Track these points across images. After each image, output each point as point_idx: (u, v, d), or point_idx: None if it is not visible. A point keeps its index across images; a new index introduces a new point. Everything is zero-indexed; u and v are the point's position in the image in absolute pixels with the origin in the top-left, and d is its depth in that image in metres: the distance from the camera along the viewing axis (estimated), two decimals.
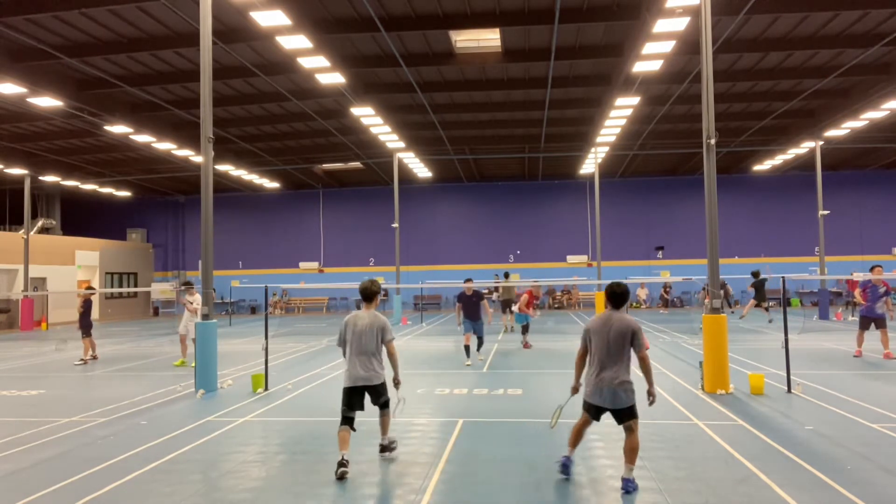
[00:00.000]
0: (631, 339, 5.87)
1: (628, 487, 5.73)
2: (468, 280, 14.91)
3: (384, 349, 6.81)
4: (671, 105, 22.70)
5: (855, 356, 13.69)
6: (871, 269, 13.71)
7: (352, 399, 6.69)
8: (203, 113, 11.81)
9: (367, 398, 6.79)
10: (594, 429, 8.00)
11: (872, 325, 13.62)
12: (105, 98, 21.27)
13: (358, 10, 15.62)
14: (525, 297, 17.10)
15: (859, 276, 22.38)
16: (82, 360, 15.54)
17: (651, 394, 5.95)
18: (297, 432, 8.20)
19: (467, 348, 14.05)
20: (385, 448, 7.02)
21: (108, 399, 10.70)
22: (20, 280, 29.02)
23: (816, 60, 19.39)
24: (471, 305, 14.19)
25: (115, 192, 36.20)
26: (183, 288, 15.31)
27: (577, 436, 6.18)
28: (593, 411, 6.01)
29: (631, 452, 5.81)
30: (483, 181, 37.19)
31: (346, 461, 6.37)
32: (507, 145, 29.64)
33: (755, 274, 21.92)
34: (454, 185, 37.11)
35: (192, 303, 14.72)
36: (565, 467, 6.16)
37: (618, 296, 6.10)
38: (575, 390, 6.29)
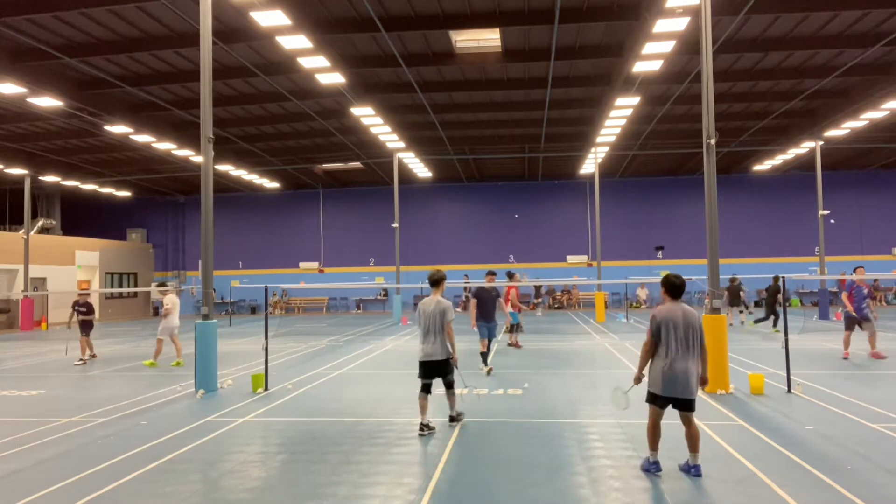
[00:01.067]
0: (700, 332, 6.12)
1: (699, 472, 6.05)
2: (491, 273, 13.99)
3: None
4: (671, 105, 22.71)
5: (844, 358, 13.51)
6: (855, 270, 13.68)
7: (425, 371, 7.98)
8: (203, 113, 11.80)
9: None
10: (594, 429, 8.03)
11: (857, 326, 13.57)
12: (105, 98, 21.27)
13: (358, 10, 15.62)
14: (513, 292, 16.92)
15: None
16: (81, 359, 15.54)
17: (705, 380, 6.23)
18: (297, 432, 8.20)
19: (484, 355, 12.81)
20: (453, 419, 8.21)
21: (108, 399, 10.70)
22: (20, 280, 29.02)
23: (816, 60, 19.39)
24: (489, 303, 13.13)
25: (115, 192, 36.20)
26: (159, 288, 15.36)
27: (657, 433, 6.20)
28: (663, 402, 6.13)
29: (695, 440, 6.13)
30: (483, 181, 37.19)
31: (425, 425, 7.85)
32: (507, 145, 29.64)
33: (732, 279, 21.83)
34: (454, 185, 37.12)
35: (164, 304, 14.88)
36: (655, 467, 6.19)
37: (678, 287, 6.30)
38: (638, 380, 6.40)
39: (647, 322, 23.62)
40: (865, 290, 13.53)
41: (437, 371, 7.93)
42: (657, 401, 6.14)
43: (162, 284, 15.46)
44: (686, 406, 6.09)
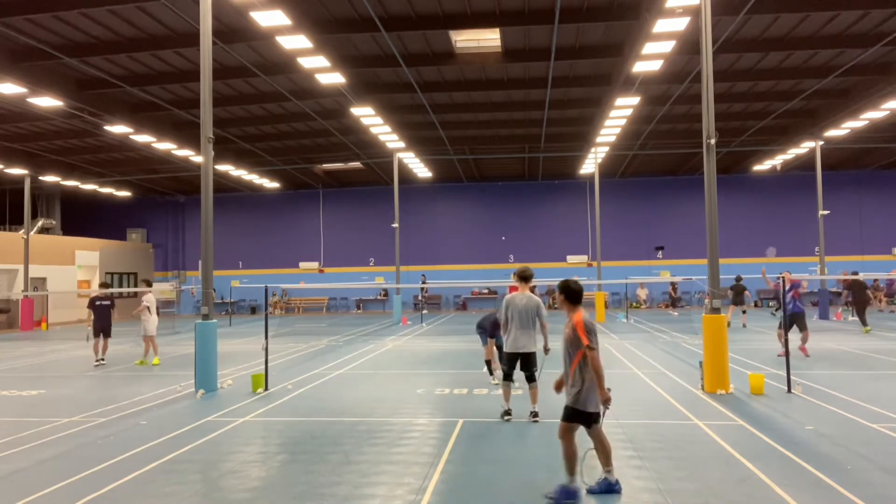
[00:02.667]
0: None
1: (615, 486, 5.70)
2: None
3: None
4: (671, 105, 22.70)
5: (779, 356, 13.25)
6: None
7: (512, 361, 8.56)
8: (203, 113, 11.80)
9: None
10: None
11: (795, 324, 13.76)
12: (105, 98, 21.26)
13: (358, 10, 15.61)
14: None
15: (861, 276, 22.45)
16: (99, 360, 15.33)
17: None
18: (297, 432, 8.20)
19: (489, 363, 11.51)
20: (534, 414, 8.48)
21: (108, 399, 10.70)
22: (20, 280, 29.01)
23: (816, 60, 19.39)
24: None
25: (115, 192, 36.18)
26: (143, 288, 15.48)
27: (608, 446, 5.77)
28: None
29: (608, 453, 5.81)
30: (483, 181, 37.18)
31: (510, 409, 8.56)
32: (507, 145, 29.63)
33: (737, 279, 21.75)
34: (454, 185, 37.11)
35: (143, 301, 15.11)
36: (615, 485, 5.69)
37: (576, 293, 5.98)
38: (609, 400, 5.68)
39: (647, 322, 23.55)
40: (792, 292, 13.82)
41: (525, 362, 8.49)
42: (596, 418, 5.72)
43: (147, 283, 15.54)
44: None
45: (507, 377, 8.66)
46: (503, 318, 8.62)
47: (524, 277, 8.68)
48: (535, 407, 8.55)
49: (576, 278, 6.24)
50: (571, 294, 5.97)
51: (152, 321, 15.07)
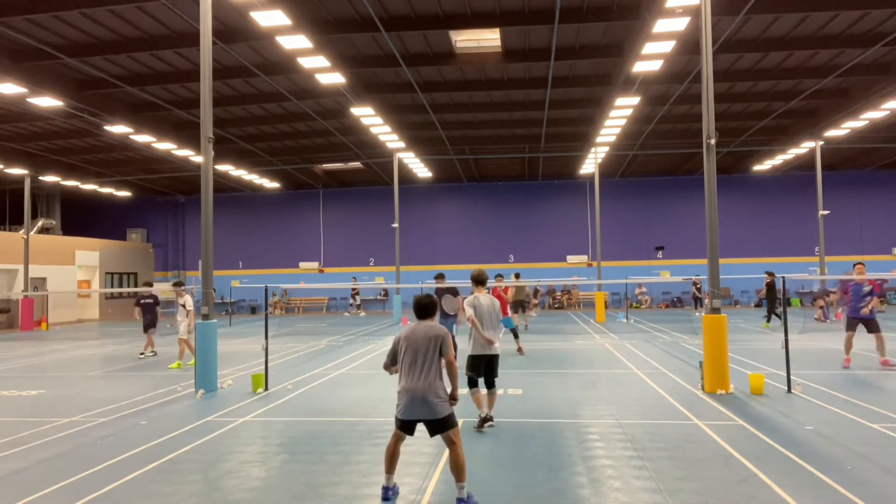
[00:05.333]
0: (440, 345, 5.70)
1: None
2: (440, 276, 13.38)
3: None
4: (671, 105, 22.70)
5: (844, 367, 12.49)
6: (854, 267, 12.96)
7: (479, 365, 8.18)
8: (203, 113, 11.80)
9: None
10: (594, 429, 8.03)
11: (862, 327, 12.48)
12: (105, 98, 21.26)
13: (358, 10, 15.62)
14: (509, 294, 16.57)
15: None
16: (143, 353, 16.10)
17: (454, 398, 5.75)
18: (297, 432, 8.20)
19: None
20: (486, 420, 8.12)
21: (108, 399, 10.70)
22: (20, 280, 29.01)
23: (816, 60, 19.39)
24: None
25: (115, 192, 36.19)
26: (176, 288, 15.22)
27: (394, 456, 5.79)
28: (406, 426, 5.72)
29: (458, 470, 5.55)
30: (483, 181, 37.19)
31: (490, 416, 8.12)
32: (507, 145, 29.64)
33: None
34: (454, 185, 37.11)
35: (187, 304, 14.81)
36: (387, 500, 5.72)
37: (422, 307, 5.93)
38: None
39: (647, 322, 23.58)
40: (868, 288, 12.49)
41: (490, 364, 8.21)
42: (398, 424, 5.74)
43: (179, 283, 15.29)
44: (431, 428, 5.68)
45: (475, 383, 8.20)
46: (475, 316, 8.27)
47: (481, 281, 8.50)
48: (492, 412, 8.22)
49: (425, 294, 6.14)
50: (415, 307, 5.96)
51: (189, 322, 14.66)
